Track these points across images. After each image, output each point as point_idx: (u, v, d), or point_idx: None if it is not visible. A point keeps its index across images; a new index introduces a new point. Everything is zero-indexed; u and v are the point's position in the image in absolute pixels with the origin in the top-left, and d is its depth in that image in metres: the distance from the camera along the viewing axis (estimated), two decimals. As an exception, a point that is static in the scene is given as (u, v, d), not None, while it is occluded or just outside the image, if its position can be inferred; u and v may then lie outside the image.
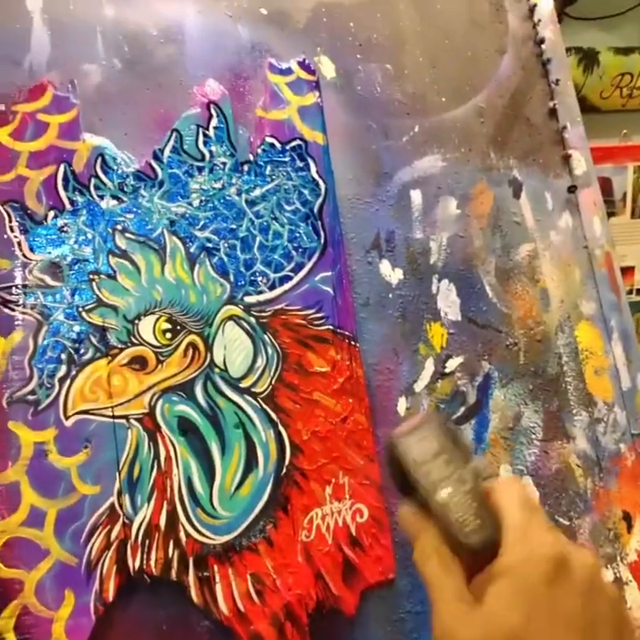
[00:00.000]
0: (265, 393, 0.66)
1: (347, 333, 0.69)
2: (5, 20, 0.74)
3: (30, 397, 0.61)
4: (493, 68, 0.87)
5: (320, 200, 0.71)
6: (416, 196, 0.80)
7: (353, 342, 0.69)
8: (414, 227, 0.79)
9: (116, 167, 0.67)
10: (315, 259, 0.70)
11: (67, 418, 0.61)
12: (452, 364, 0.76)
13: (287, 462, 0.65)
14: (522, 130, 0.86)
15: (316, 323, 0.68)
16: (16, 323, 0.62)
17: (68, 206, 0.65)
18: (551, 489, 0.75)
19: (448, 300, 0.77)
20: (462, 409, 0.75)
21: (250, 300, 0.67)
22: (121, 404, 0.62)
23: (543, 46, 0.89)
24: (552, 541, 0.34)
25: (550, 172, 0.87)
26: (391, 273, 0.76)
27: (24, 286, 0.62)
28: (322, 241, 0.70)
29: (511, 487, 0.37)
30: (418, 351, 0.75)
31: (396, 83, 0.83)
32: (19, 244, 0.63)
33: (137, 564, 0.60)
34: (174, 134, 0.69)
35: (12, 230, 0.63)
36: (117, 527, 0.60)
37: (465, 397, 0.75)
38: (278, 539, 0.63)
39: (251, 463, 0.64)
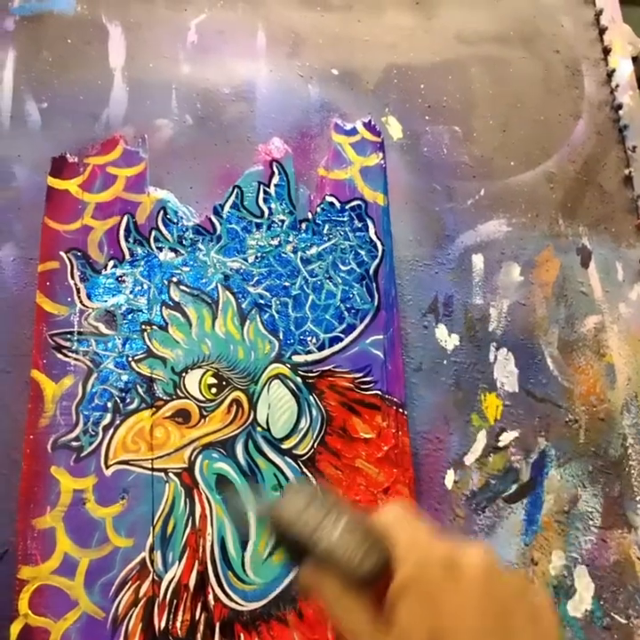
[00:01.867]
0: (306, 456, 0.64)
1: (395, 400, 0.67)
2: (89, 77, 0.78)
3: (74, 444, 0.61)
4: (566, 132, 0.85)
5: (376, 261, 0.70)
6: (478, 260, 0.77)
7: (401, 409, 0.67)
8: (474, 292, 0.76)
9: (176, 220, 0.69)
10: (367, 321, 0.68)
11: (107, 467, 0.61)
12: (506, 438, 0.72)
13: (324, 531, 0.63)
14: (594, 197, 0.83)
15: (363, 387, 0.66)
16: (68, 368, 0.63)
17: (127, 257, 0.66)
18: (608, 582, 0.69)
19: (506, 369, 0.74)
20: (515, 486, 0.71)
21: (298, 359, 0.66)
22: (161, 457, 0.62)
23: (620, 112, 0.86)
24: (439, 545, 0.34)
25: (622, 241, 0.83)
26: (447, 338, 0.74)
27: (79, 333, 0.64)
28: (375, 303, 0.69)
29: (391, 509, 0.36)
30: (470, 422, 0.72)
31: (464, 145, 0.82)
32: (77, 291, 0.65)
33: (163, 624, 0.58)
34: (235, 190, 0.70)
35: (72, 277, 0.65)
36: (147, 583, 0.59)
37: (518, 474, 0.71)
38: (309, 612, 0.61)
39: (286, 529, 0.62)
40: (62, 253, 0.66)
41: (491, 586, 0.33)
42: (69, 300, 0.65)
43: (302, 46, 0.84)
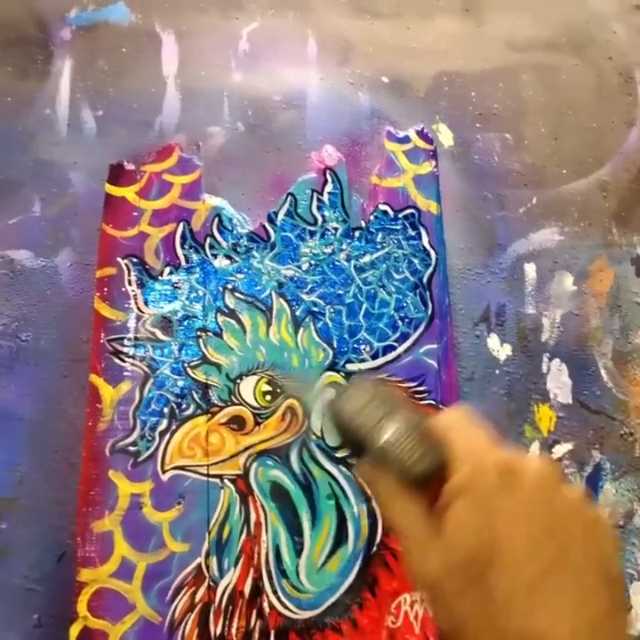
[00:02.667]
0: (360, 465, 0.64)
1: (449, 410, 0.67)
2: (143, 85, 0.79)
3: (131, 448, 0.62)
4: (620, 140, 0.84)
5: (430, 270, 0.70)
6: (530, 269, 0.77)
7: (455, 419, 0.67)
8: (526, 301, 0.76)
9: (231, 228, 0.69)
10: (421, 330, 0.68)
11: (163, 472, 0.62)
12: (559, 450, 0.71)
13: (378, 541, 0.62)
14: (648, 206, 0.82)
15: (417, 396, 0.66)
16: (125, 373, 0.64)
17: (183, 263, 0.67)
18: (665, 599, 0.68)
19: (559, 380, 0.73)
20: (568, 499, 0.70)
21: (351, 367, 0.66)
22: (216, 463, 0.62)
23: (675, 119, 0.85)
24: (498, 451, 0.33)
25: (678, 250, 0.82)
26: (499, 348, 0.73)
27: (136, 339, 0.65)
28: (429, 312, 0.69)
29: (452, 413, 0.35)
30: (523, 433, 0.71)
31: (515, 153, 0.81)
32: (134, 297, 0.66)
33: (219, 631, 0.59)
34: (289, 198, 0.71)
35: (129, 284, 0.66)
36: (202, 589, 0.60)
37: (572, 487, 0.70)
38: (363, 621, 0.60)
39: (340, 537, 0.62)
40: (120, 259, 0.67)
41: (547, 496, 0.31)
42: (127, 305, 0.66)
43: (352, 54, 0.84)
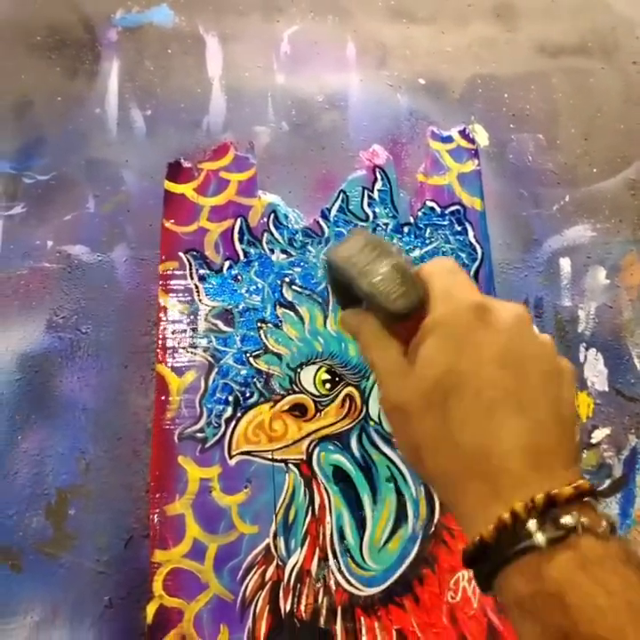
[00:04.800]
0: (416, 449, 0.67)
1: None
2: (189, 86, 0.82)
3: (199, 435, 0.64)
4: (646, 141, 0.88)
5: (477, 264, 0.73)
6: (565, 263, 0.80)
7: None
8: (563, 294, 0.79)
9: (286, 223, 0.72)
10: (469, 321, 0.71)
11: (230, 457, 0.64)
12: (598, 435, 0.75)
13: (436, 520, 0.66)
14: (674, 203, 0.86)
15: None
16: (190, 364, 0.66)
17: (242, 257, 0.70)
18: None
19: (595, 369, 0.77)
20: (608, 482, 0.73)
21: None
22: (280, 449, 0.65)
23: (697, 121, 0.89)
24: (475, 294, 0.35)
25: (702, 245, 0.86)
26: (538, 338, 0.76)
27: (199, 330, 0.67)
28: (477, 304, 0.72)
29: (437, 260, 0.37)
30: (563, 419, 0.75)
31: (548, 153, 0.85)
32: (197, 290, 0.68)
33: (288, 608, 0.61)
34: (342, 195, 0.73)
35: (191, 277, 0.68)
36: (271, 568, 0.62)
37: (611, 470, 0.74)
38: (424, 596, 0.63)
39: (400, 518, 0.65)
40: (181, 254, 0.69)
41: (516, 337, 0.33)
42: (189, 298, 0.68)
43: (390, 57, 0.87)
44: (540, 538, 0.28)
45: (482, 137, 0.84)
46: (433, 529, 0.65)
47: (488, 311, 0.33)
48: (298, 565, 0.62)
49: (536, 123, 0.86)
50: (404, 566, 0.64)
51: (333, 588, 0.62)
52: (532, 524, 0.28)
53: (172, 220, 0.70)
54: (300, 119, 0.82)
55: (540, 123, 0.86)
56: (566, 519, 0.28)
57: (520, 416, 0.31)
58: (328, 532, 0.64)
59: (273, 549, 0.63)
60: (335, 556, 0.63)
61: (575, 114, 0.87)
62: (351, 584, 0.63)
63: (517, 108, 0.87)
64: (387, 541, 0.64)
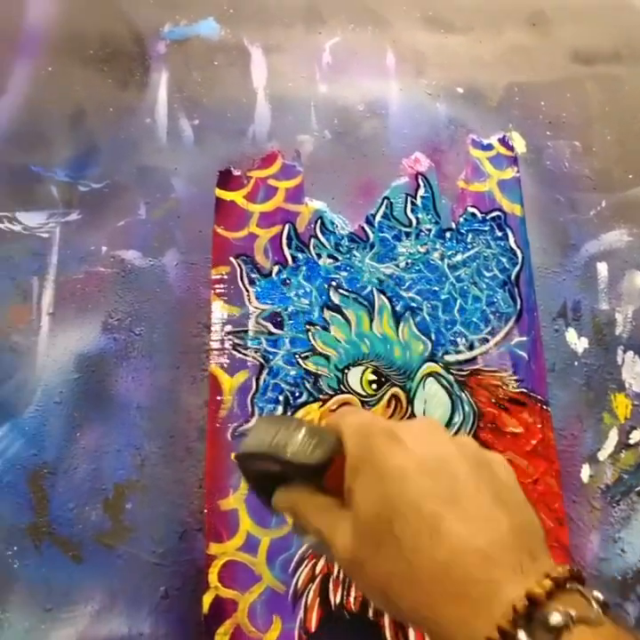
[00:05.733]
0: (460, 448, 0.69)
1: (539, 397, 0.72)
2: (235, 96, 0.85)
3: (251, 433, 0.67)
4: (681, 147, 0.89)
5: (517, 268, 0.75)
6: (602, 268, 0.82)
7: (545, 406, 0.72)
8: (600, 298, 0.81)
9: (333, 229, 0.74)
10: (511, 324, 0.73)
11: (281, 454, 0.67)
12: (636, 436, 0.76)
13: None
14: None
15: (511, 385, 0.71)
16: (242, 364, 0.69)
17: (290, 262, 0.72)
18: None
19: (633, 371, 0.78)
20: (646, 483, 0.75)
21: (449, 358, 0.71)
22: (329, 447, 0.67)
23: None
24: (381, 422, 0.35)
25: None
26: (577, 341, 0.78)
27: (250, 332, 0.70)
28: (518, 307, 0.74)
29: (340, 409, 0.38)
30: (602, 420, 0.76)
31: (584, 159, 0.87)
32: (247, 293, 0.71)
33: (338, 600, 0.64)
34: (386, 201, 0.76)
35: (242, 281, 0.71)
36: (322, 562, 0.64)
37: (649, 470, 0.76)
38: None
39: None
40: (232, 259, 0.72)
41: (432, 446, 0.33)
42: (240, 301, 0.71)
43: (428, 66, 0.90)
44: None
45: (519, 144, 0.86)
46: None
47: (396, 431, 0.34)
48: (347, 559, 0.65)
49: (572, 129, 0.88)
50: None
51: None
52: (523, 637, 0.26)
53: (223, 226, 0.73)
54: (342, 127, 0.85)
55: (576, 129, 0.88)
56: (555, 618, 0.26)
57: (464, 520, 0.30)
58: (375, 528, 0.66)
59: (323, 543, 0.65)
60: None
61: (610, 120, 0.89)
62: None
63: (553, 115, 0.88)
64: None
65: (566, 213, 0.84)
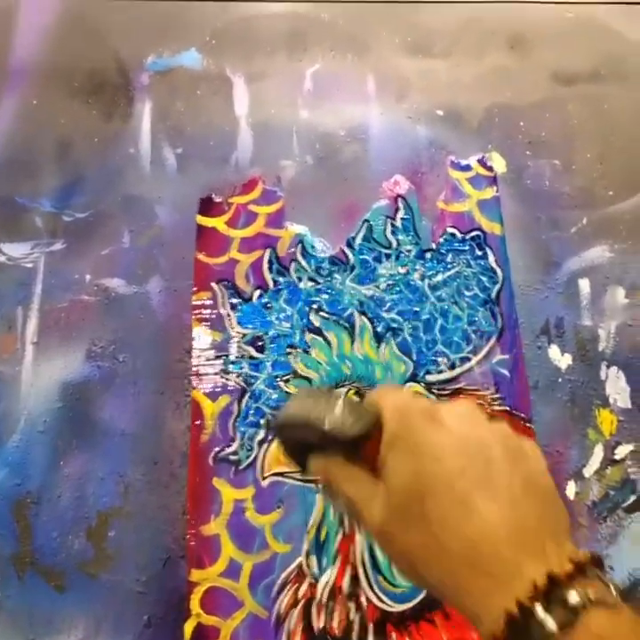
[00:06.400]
0: (443, 468, 0.69)
1: (522, 415, 0.72)
2: (218, 124, 0.86)
3: (233, 457, 0.67)
4: (661, 163, 0.90)
5: (497, 287, 0.76)
6: (584, 284, 0.82)
7: (528, 424, 0.72)
8: (583, 314, 0.81)
9: (313, 252, 0.75)
10: (492, 342, 0.74)
11: (263, 479, 0.67)
12: (622, 452, 0.76)
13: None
14: (691, 223, 0.88)
15: (493, 403, 0.71)
16: (223, 389, 0.69)
17: (271, 286, 0.73)
18: None
19: (617, 386, 0.78)
20: (633, 497, 0.74)
21: (431, 378, 0.71)
22: (311, 469, 0.67)
23: None
24: (421, 402, 0.36)
25: None
26: (560, 358, 0.78)
27: (232, 356, 0.70)
28: (499, 325, 0.74)
29: (383, 386, 0.39)
30: (587, 436, 0.76)
31: (565, 177, 0.87)
32: (228, 318, 0.71)
33: (321, 624, 0.63)
34: (366, 224, 0.77)
35: (223, 306, 0.72)
36: (304, 586, 0.64)
37: (635, 486, 0.75)
38: (454, 612, 0.65)
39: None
40: (213, 284, 0.73)
41: (470, 429, 0.34)
42: (222, 326, 0.71)
43: (409, 90, 0.91)
44: (550, 624, 0.27)
45: (499, 164, 0.87)
46: (461, 546, 0.67)
47: (436, 412, 0.35)
48: (330, 583, 0.64)
49: (552, 148, 0.89)
50: (433, 583, 0.65)
51: (365, 604, 0.64)
52: (540, 612, 0.27)
53: (204, 253, 0.74)
54: (324, 152, 0.86)
55: (556, 148, 0.89)
56: (573, 598, 0.27)
57: (495, 501, 0.31)
58: (359, 551, 0.66)
59: (305, 567, 0.65)
60: (366, 574, 0.65)
61: (590, 138, 0.90)
62: (382, 600, 0.64)
63: (533, 135, 0.89)
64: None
65: (548, 231, 0.84)
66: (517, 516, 0.31)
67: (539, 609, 0.27)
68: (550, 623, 0.27)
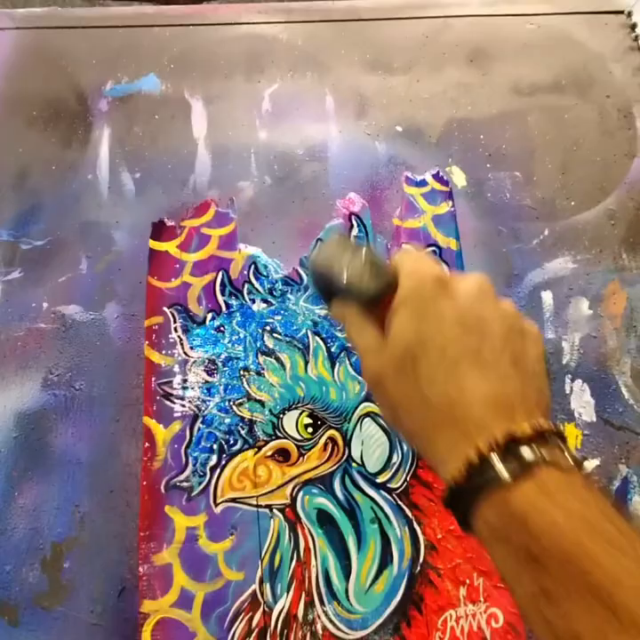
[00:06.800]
0: (400, 489, 0.68)
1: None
2: (176, 147, 0.86)
3: (185, 484, 0.66)
4: (623, 171, 0.89)
5: (454, 303, 0.75)
6: (547, 297, 0.81)
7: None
8: (546, 327, 0.80)
9: (266, 273, 0.74)
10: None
11: (216, 505, 0.66)
12: (588, 466, 0.74)
13: (421, 560, 0.66)
14: (655, 230, 0.87)
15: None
16: (175, 414, 0.68)
17: (223, 309, 0.72)
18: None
19: (582, 400, 0.77)
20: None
21: (386, 397, 0.70)
22: (265, 494, 0.66)
23: (675, 149, 0.90)
24: (438, 270, 0.38)
25: (687, 271, 0.86)
26: (523, 373, 0.77)
27: (184, 381, 0.69)
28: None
29: (407, 248, 0.41)
30: (552, 452, 0.74)
31: (526, 189, 0.87)
32: (181, 342, 0.71)
33: (276, 653, 0.62)
34: (319, 243, 0.76)
35: (175, 330, 0.71)
36: (258, 615, 0.63)
37: (603, 502, 0.73)
38: (412, 638, 0.63)
39: (386, 559, 0.65)
40: (165, 309, 0.72)
41: (477, 303, 0.36)
42: (174, 351, 0.71)
43: (368, 107, 0.91)
44: (504, 472, 0.30)
45: (459, 178, 0.86)
46: (419, 569, 0.65)
47: (450, 282, 0.37)
48: (284, 611, 0.63)
49: (513, 160, 0.88)
50: (390, 608, 0.64)
51: (320, 632, 0.63)
52: (496, 461, 0.31)
53: (156, 277, 0.74)
54: (282, 172, 0.86)
55: (517, 160, 0.88)
56: (527, 454, 0.30)
57: (482, 370, 0.33)
58: (314, 576, 0.64)
59: (259, 595, 0.63)
60: (322, 600, 0.64)
61: (551, 149, 0.89)
62: (338, 628, 0.63)
63: (494, 148, 0.89)
64: (373, 583, 0.65)
65: (509, 244, 0.84)
66: (497, 387, 0.33)
67: (495, 458, 0.31)
68: (503, 472, 0.30)
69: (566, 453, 0.32)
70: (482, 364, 0.34)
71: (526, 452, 0.31)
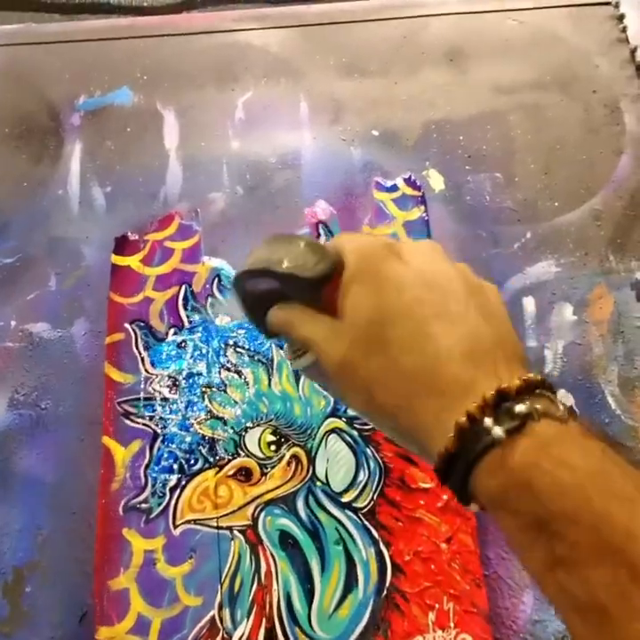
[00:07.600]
0: (366, 508, 0.65)
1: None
2: (147, 160, 0.85)
3: (143, 506, 0.64)
4: (610, 169, 0.85)
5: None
6: (528, 303, 0.78)
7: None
8: (527, 334, 0.76)
9: (230, 286, 0.72)
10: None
11: (175, 527, 0.64)
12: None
13: (388, 583, 0.63)
14: (644, 230, 0.82)
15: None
16: (135, 433, 0.67)
17: (186, 324, 0.70)
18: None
19: (566, 411, 0.73)
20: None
21: (352, 412, 0.68)
22: (225, 516, 0.64)
23: (666, 144, 0.86)
24: (382, 239, 0.36)
25: (679, 272, 0.81)
26: (503, 383, 0.73)
27: (145, 399, 0.68)
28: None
29: (339, 234, 0.39)
30: (533, 467, 0.71)
31: (507, 190, 0.83)
32: (142, 359, 0.69)
33: (235, 682, 0.59)
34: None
35: (137, 347, 0.69)
36: (218, 642, 0.60)
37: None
38: (377, 667, 0.60)
39: (350, 582, 0.62)
40: (127, 325, 0.71)
41: (431, 263, 0.35)
42: (135, 368, 0.69)
43: (343, 112, 0.88)
44: (497, 431, 0.28)
45: (437, 181, 0.83)
46: (385, 593, 0.62)
47: (398, 249, 0.35)
48: (244, 637, 0.61)
49: (493, 162, 0.85)
50: (355, 634, 0.61)
51: (281, 660, 0.60)
52: (488, 421, 0.28)
53: (119, 293, 0.72)
54: (254, 182, 0.84)
55: (497, 161, 0.85)
56: (520, 408, 0.28)
57: (452, 325, 0.32)
58: (275, 601, 0.62)
59: (218, 622, 0.61)
60: (283, 626, 0.61)
61: (534, 149, 0.86)
62: (300, 655, 0.60)
63: (473, 149, 0.85)
64: (337, 608, 0.62)
65: (489, 248, 0.80)
66: (472, 340, 0.32)
67: (487, 419, 0.28)
68: (497, 430, 0.28)
69: (560, 404, 0.30)
70: (451, 319, 0.32)
71: (519, 406, 0.29)
